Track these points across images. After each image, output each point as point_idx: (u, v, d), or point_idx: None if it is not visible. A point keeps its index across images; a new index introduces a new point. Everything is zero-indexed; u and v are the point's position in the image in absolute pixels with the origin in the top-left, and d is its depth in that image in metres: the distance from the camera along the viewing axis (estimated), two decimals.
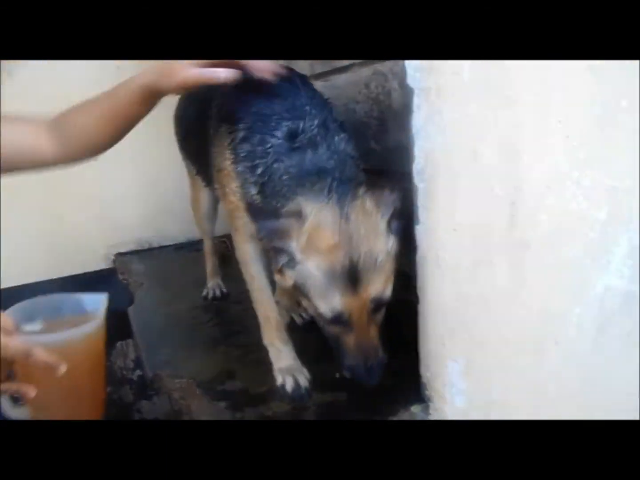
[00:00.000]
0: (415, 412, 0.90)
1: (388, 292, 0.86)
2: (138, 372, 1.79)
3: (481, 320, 0.70)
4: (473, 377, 0.77)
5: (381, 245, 0.85)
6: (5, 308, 0.93)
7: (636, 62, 0.56)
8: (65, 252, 2.15)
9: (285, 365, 1.09)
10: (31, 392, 0.91)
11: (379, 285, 0.85)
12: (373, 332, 0.87)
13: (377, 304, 0.86)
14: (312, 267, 0.86)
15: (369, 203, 0.88)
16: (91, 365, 1.05)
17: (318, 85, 1.71)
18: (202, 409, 1.06)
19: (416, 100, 0.77)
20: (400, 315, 1.03)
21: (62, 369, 0.89)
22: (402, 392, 0.95)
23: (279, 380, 1.06)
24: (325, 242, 0.84)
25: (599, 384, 0.62)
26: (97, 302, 1.02)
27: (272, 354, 1.11)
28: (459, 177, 0.71)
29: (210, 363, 1.24)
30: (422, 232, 0.81)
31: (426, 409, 0.90)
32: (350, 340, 0.87)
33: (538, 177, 0.58)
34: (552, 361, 0.62)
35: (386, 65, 1.43)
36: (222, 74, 0.96)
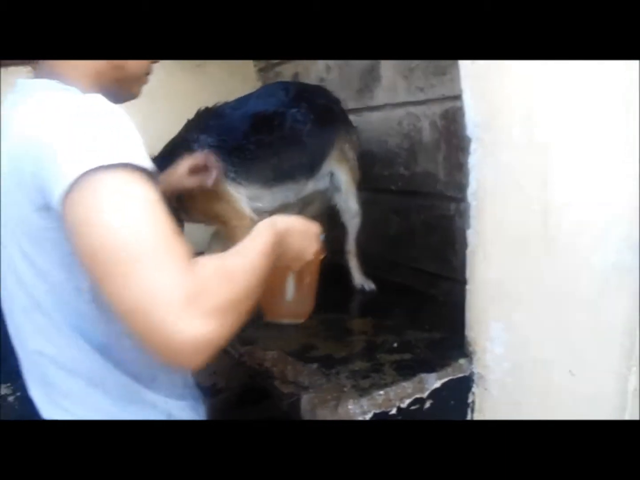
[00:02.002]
0: (462, 364, 1.28)
1: None
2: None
3: (521, 292, 1.09)
4: (512, 334, 1.14)
5: None
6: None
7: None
8: None
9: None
10: None
11: None
12: None
13: None
14: None
15: None
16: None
17: (351, 118, 2.07)
18: (297, 371, 1.31)
19: (473, 146, 1.15)
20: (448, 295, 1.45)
21: None
22: (450, 348, 1.30)
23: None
24: None
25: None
26: None
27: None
28: (506, 197, 1.09)
29: (291, 339, 1.51)
30: (472, 234, 1.19)
31: (469, 361, 1.27)
32: None
33: (561, 199, 0.97)
34: (579, 316, 1.00)
35: (419, 109, 1.78)
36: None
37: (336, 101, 1.89)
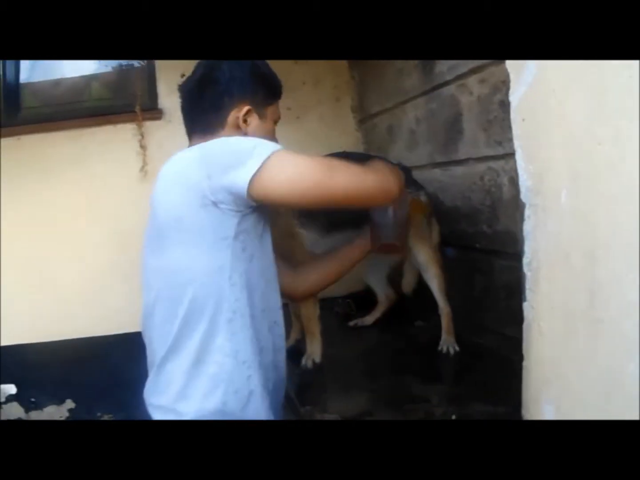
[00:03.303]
0: None
1: None
2: None
3: (569, 373, 0.97)
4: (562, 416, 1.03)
5: None
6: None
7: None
8: None
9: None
10: None
11: None
12: None
13: None
14: None
15: None
16: None
17: (437, 173, 2.03)
18: None
19: (527, 212, 1.06)
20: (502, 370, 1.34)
21: None
22: None
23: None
24: None
25: None
26: None
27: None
28: (556, 270, 0.99)
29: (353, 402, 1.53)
30: (528, 308, 1.09)
31: None
32: None
33: (609, 275, 0.86)
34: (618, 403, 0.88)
35: (499, 164, 1.71)
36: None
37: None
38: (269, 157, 1.14)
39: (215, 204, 1.17)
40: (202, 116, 1.38)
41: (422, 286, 2.00)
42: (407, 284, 2.18)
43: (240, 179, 1.14)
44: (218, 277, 1.22)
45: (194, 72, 1.43)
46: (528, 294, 1.08)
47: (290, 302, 1.82)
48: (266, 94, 1.43)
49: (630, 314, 0.83)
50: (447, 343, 1.86)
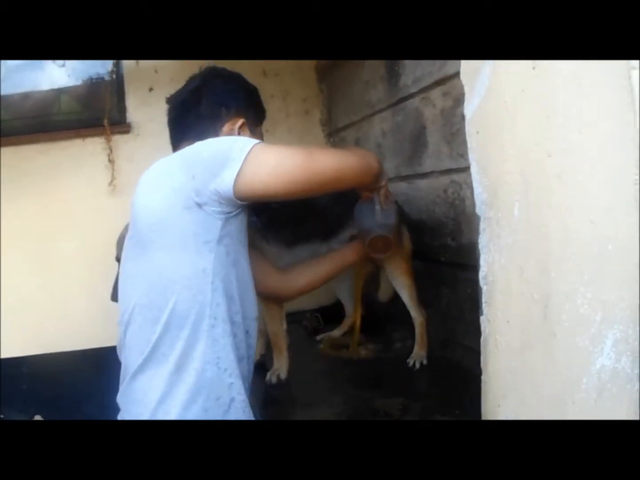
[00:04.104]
0: None
1: None
2: None
3: (525, 387, 0.96)
4: None
5: None
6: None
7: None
8: None
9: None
10: None
11: None
12: None
13: None
14: None
15: None
16: None
17: (403, 186, 2.03)
18: None
19: (482, 225, 1.05)
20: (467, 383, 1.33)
21: None
22: None
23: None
24: None
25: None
26: None
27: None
28: (511, 283, 0.98)
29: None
30: (485, 321, 1.08)
31: None
32: None
33: (561, 288, 0.85)
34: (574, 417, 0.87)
35: (461, 176, 1.71)
36: None
37: None
38: (249, 152, 1.14)
39: (199, 205, 1.16)
40: (196, 125, 1.38)
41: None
42: (384, 292, 2.17)
43: (226, 177, 1.14)
44: (201, 281, 1.20)
45: (187, 83, 1.46)
46: (484, 307, 1.07)
47: (271, 303, 1.81)
48: (256, 114, 1.47)
49: (582, 328, 0.82)
50: (417, 357, 1.85)
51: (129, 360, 1.28)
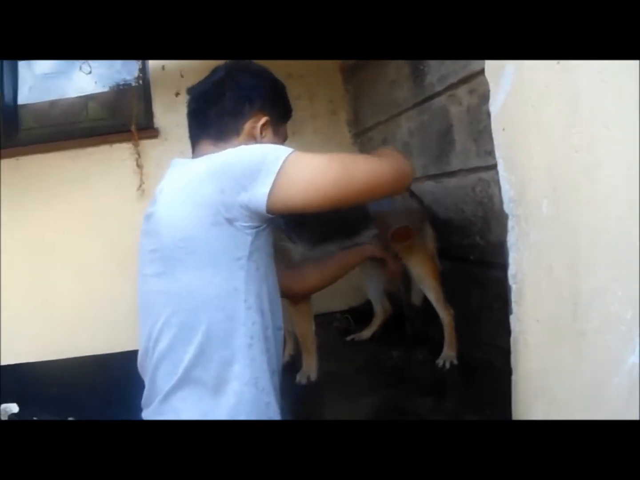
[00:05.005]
0: None
1: None
2: None
3: (555, 387, 0.94)
4: None
5: None
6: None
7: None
8: None
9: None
10: None
11: None
12: None
13: None
14: None
15: None
16: None
17: (431, 185, 2.01)
18: None
19: (510, 223, 1.04)
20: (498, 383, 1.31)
21: None
22: None
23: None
24: None
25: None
26: None
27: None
28: (540, 281, 0.97)
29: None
30: (514, 321, 1.07)
31: None
32: None
33: (590, 286, 0.84)
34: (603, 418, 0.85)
35: (489, 174, 1.69)
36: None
37: None
38: (283, 164, 1.10)
39: (229, 221, 1.12)
40: (217, 120, 1.31)
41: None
42: (416, 295, 2.15)
43: (258, 193, 1.10)
44: (233, 300, 1.16)
45: (211, 75, 1.37)
46: (514, 306, 1.06)
47: (300, 305, 1.82)
48: (282, 111, 1.40)
49: (612, 326, 0.81)
50: (447, 358, 1.84)
51: (158, 380, 1.22)
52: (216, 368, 1.16)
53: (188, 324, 1.16)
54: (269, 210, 1.11)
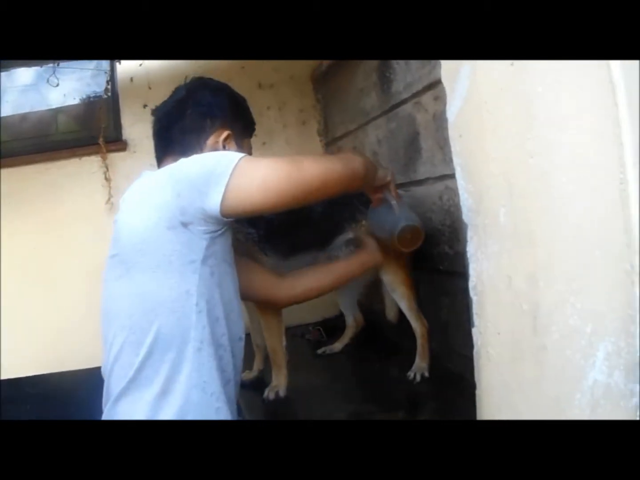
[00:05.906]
0: None
1: None
2: None
3: (518, 402, 0.90)
4: None
5: None
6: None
7: None
8: None
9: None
10: None
11: None
12: None
13: None
14: None
15: None
16: None
17: (399, 194, 1.97)
18: None
19: (469, 233, 1.00)
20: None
21: None
22: None
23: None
24: None
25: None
26: None
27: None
28: (500, 293, 0.93)
29: None
30: (476, 334, 1.02)
31: None
32: None
33: (550, 298, 0.80)
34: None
35: (455, 183, 1.65)
36: None
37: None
38: (235, 167, 1.12)
39: (184, 224, 1.14)
40: (181, 137, 1.35)
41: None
42: (390, 310, 2.10)
43: (212, 195, 1.11)
44: (185, 303, 1.17)
45: (173, 94, 1.42)
46: (475, 318, 1.02)
47: (270, 318, 1.78)
48: (244, 126, 1.44)
49: (572, 341, 0.77)
50: (418, 369, 1.79)
51: (112, 382, 1.24)
52: (165, 370, 1.18)
53: (140, 326, 1.18)
54: (223, 214, 1.13)
